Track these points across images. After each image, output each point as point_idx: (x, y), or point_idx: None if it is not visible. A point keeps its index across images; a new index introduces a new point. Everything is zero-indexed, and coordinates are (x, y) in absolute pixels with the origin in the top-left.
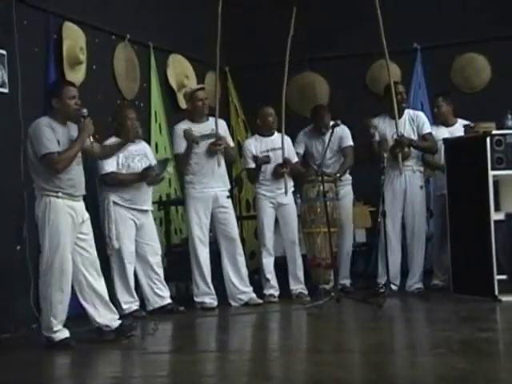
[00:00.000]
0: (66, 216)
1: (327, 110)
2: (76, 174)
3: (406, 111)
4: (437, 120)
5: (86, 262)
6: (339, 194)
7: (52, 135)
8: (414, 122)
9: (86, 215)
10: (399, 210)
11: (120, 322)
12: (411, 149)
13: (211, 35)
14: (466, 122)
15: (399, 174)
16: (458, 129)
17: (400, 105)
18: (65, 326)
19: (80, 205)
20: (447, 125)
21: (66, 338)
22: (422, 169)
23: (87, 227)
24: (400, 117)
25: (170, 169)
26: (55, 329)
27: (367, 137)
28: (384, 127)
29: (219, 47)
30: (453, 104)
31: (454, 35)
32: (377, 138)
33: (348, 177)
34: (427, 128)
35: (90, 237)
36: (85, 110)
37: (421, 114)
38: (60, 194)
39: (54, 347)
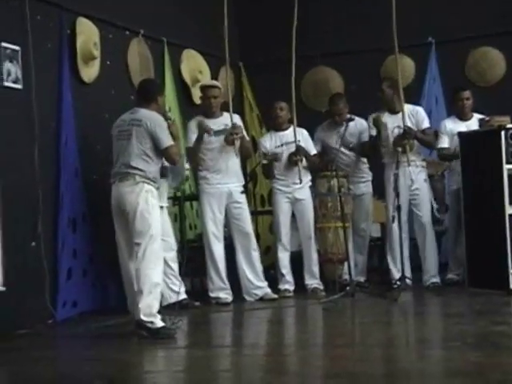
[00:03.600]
0: (158, 206)
1: (342, 98)
2: None
3: (406, 106)
4: (460, 113)
5: None
6: (360, 191)
7: None
8: (413, 117)
9: None
10: (405, 205)
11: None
12: (415, 141)
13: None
14: (481, 116)
15: (406, 166)
16: (474, 123)
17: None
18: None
19: None
20: (465, 119)
21: (164, 327)
22: (424, 163)
23: None
24: (398, 112)
25: (188, 165)
26: (156, 313)
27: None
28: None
29: (227, 42)
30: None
31: (468, 29)
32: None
33: (368, 173)
34: (427, 123)
35: None
36: (170, 113)
37: (420, 109)
38: (156, 185)
39: (156, 334)
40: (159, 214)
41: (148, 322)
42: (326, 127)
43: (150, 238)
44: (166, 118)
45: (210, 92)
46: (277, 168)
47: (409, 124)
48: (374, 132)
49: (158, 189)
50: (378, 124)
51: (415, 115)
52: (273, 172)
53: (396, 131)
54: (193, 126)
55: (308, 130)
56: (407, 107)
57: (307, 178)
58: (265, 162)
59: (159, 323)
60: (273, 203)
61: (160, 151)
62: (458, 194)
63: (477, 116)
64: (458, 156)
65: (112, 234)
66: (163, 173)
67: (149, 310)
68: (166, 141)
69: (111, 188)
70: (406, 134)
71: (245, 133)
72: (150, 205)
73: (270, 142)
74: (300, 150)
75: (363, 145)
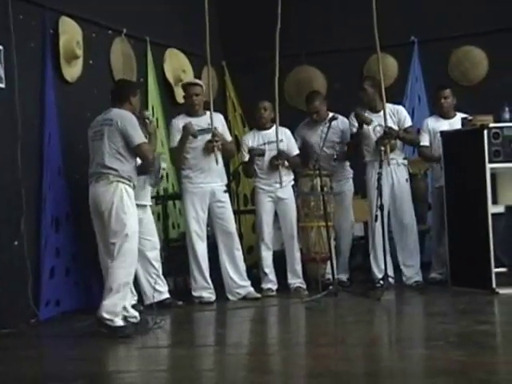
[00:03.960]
0: (135, 204)
1: (318, 96)
2: None
3: (387, 105)
4: (440, 111)
5: None
6: (340, 189)
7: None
8: (394, 116)
9: None
10: (386, 204)
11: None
12: (396, 141)
13: (208, 29)
14: (465, 115)
15: (387, 165)
16: (457, 121)
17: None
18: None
19: None
20: (448, 117)
21: (124, 327)
22: (406, 162)
23: None
24: (379, 111)
25: (164, 164)
26: (119, 311)
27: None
28: None
29: (208, 41)
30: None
31: (451, 28)
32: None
33: (349, 171)
34: (408, 121)
35: None
36: (148, 113)
37: (401, 108)
38: (132, 184)
39: (115, 333)
40: (136, 213)
41: (108, 320)
42: (306, 125)
43: (124, 237)
44: (144, 118)
45: (192, 90)
46: (259, 167)
47: (390, 123)
48: (354, 129)
49: (134, 187)
50: (361, 118)
51: (396, 114)
52: (253, 170)
53: (378, 129)
54: (176, 125)
55: (291, 129)
56: (388, 106)
57: (290, 178)
58: (246, 159)
59: (119, 322)
60: (255, 202)
61: (132, 149)
62: (441, 193)
63: (460, 115)
64: (437, 159)
65: (95, 233)
66: (143, 171)
67: (113, 308)
68: (138, 138)
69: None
70: (387, 134)
71: (228, 134)
72: (124, 204)
73: (252, 141)
74: (281, 155)
75: (348, 145)
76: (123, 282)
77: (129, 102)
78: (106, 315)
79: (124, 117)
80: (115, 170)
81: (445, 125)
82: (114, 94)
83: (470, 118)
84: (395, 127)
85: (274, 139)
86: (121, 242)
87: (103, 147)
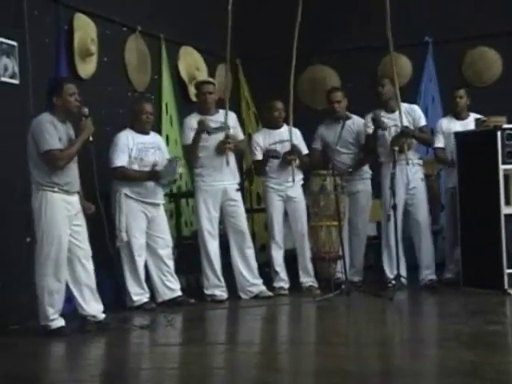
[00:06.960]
0: (62, 209)
1: (340, 89)
2: (72, 171)
3: (402, 105)
4: (454, 111)
5: (80, 252)
6: (355, 189)
7: (54, 132)
8: (409, 115)
9: (80, 207)
10: (401, 204)
11: (104, 315)
12: (412, 140)
13: (223, 27)
14: (478, 116)
15: (405, 164)
16: (470, 123)
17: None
18: (61, 315)
19: (75, 198)
20: (461, 118)
21: (62, 327)
22: (421, 162)
23: (80, 219)
24: (395, 111)
25: (181, 169)
26: (51, 317)
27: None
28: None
29: (229, 40)
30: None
31: (465, 29)
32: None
33: (366, 171)
34: (423, 121)
35: (84, 228)
36: (86, 109)
37: (416, 107)
38: (56, 189)
39: (49, 335)
40: (59, 220)
41: (46, 326)
42: (325, 125)
43: (40, 243)
44: (82, 115)
45: (205, 88)
46: (269, 166)
47: (405, 122)
48: (370, 130)
49: (63, 190)
50: (378, 123)
51: (412, 113)
52: (265, 169)
53: (393, 130)
54: (189, 123)
55: (304, 129)
56: (403, 105)
57: (299, 177)
58: (259, 158)
59: (54, 325)
60: (266, 202)
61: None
62: (454, 193)
63: (474, 116)
64: (451, 164)
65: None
66: (152, 175)
67: (45, 314)
68: (44, 145)
69: None
70: (404, 133)
71: (240, 132)
72: (42, 211)
73: (263, 139)
74: (294, 150)
75: (363, 149)
76: (48, 290)
77: (53, 103)
78: (41, 322)
79: (35, 123)
80: (35, 178)
81: (458, 126)
82: None
83: (484, 118)
84: (410, 126)
85: (285, 138)
86: (38, 248)
87: (27, 156)
